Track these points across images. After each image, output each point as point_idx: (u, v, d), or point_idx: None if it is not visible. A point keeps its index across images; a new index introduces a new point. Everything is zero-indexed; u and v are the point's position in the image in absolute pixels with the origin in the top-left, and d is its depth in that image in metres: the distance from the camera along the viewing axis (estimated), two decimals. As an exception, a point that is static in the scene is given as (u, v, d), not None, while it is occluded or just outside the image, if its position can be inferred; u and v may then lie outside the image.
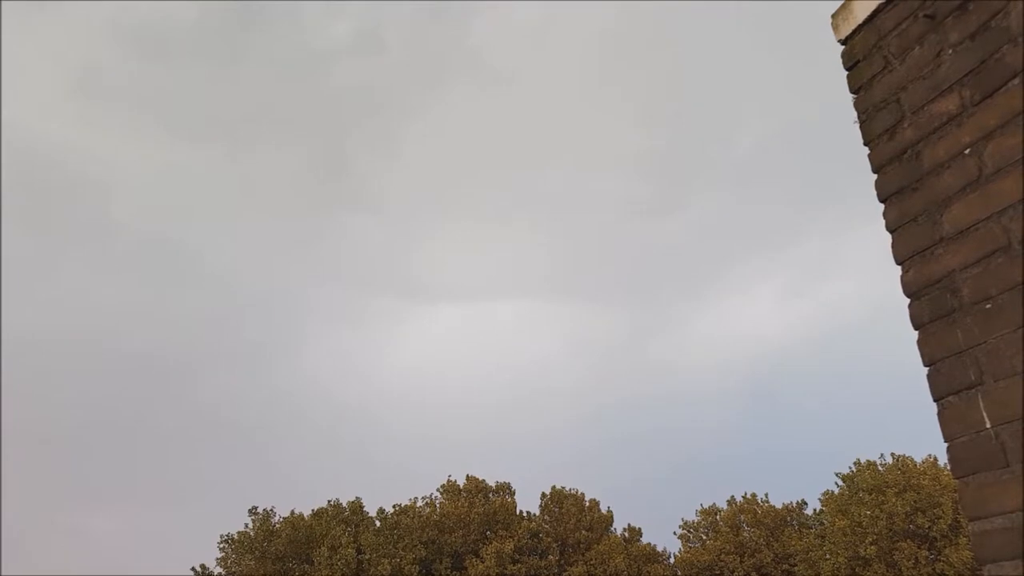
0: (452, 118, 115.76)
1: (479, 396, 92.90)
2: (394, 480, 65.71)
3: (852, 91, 2.78)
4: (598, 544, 39.60)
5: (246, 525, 37.76)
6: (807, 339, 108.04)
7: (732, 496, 41.92)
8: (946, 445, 2.33)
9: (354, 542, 36.33)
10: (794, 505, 41.42)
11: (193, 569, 37.51)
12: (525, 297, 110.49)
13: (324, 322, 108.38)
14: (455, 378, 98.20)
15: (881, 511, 34.12)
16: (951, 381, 2.31)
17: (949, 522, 33.13)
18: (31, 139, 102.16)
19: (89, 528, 73.66)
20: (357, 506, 39.34)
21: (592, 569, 38.43)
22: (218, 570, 37.48)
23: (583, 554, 39.42)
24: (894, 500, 33.90)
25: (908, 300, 2.49)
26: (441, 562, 37.61)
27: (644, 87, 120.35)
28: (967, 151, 2.32)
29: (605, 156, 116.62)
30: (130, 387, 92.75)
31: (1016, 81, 2.19)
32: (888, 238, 2.58)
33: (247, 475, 73.71)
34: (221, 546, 37.67)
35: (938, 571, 32.83)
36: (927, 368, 2.41)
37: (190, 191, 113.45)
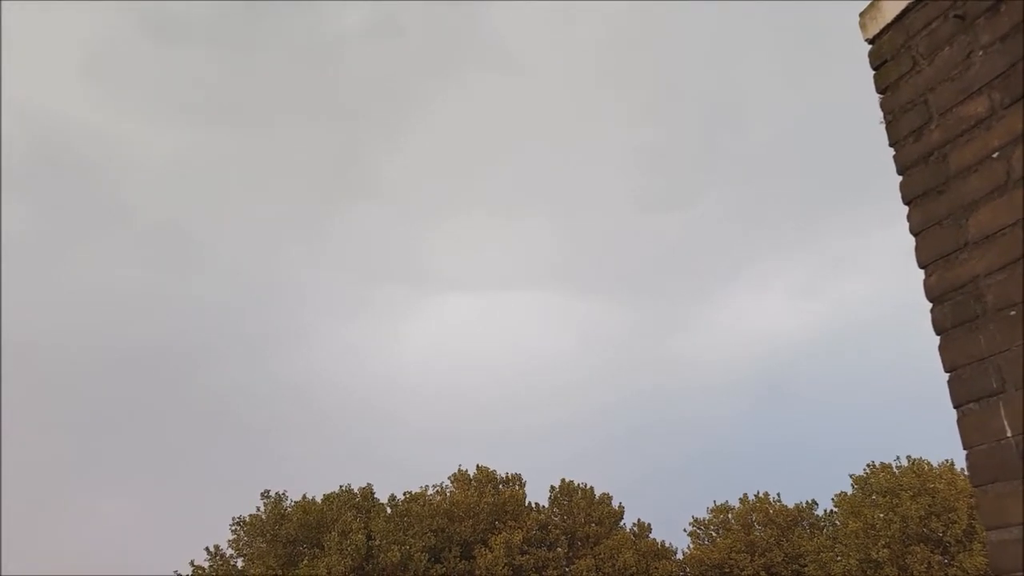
0: (464, 106, 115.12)
1: (488, 388, 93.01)
2: (402, 472, 65.86)
3: (878, 91, 2.74)
4: (607, 539, 39.60)
5: (258, 508, 38.09)
6: (820, 337, 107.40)
7: (744, 494, 41.84)
8: (965, 453, 2.30)
9: (364, 528, 36.52)
10: (805, 505, 41.22)
11: (207, 549, 37.87)
12: (535, 289, 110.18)
13: (331, 311, 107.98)
14: (464, 369, 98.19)
15: (895, 514, 33.87)
16: (972, 388, 2.28)
17: (964, 527, 32.82)
18: (41, 119, 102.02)
19: (99, 514, 74.47)
20: (368, 492, 39.55)
21: (600, 563, 38.44)
22: (230, 551, 37.85)
23: (591, 548, 39.44)
24: (908, 503, 33.62)
25: (930, 304, 2.45)
26: (450, 551, 37.74)
27: (658, 79, 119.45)
28: (995, 155, 2.28)
29: (617, 148, 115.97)
30: (137, 375, 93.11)
31: (1048, 85, 2.15)
32: (907, 239, 2.54)
33: (254, 464, 73.82)
34: (233, 528, 38.01)
35: (950, 576, 32.60)
36: (948, 374, 2.37)
37: (199, 177, 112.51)
